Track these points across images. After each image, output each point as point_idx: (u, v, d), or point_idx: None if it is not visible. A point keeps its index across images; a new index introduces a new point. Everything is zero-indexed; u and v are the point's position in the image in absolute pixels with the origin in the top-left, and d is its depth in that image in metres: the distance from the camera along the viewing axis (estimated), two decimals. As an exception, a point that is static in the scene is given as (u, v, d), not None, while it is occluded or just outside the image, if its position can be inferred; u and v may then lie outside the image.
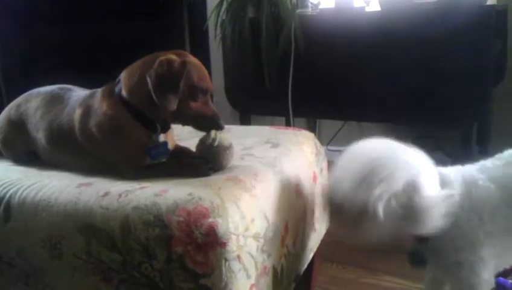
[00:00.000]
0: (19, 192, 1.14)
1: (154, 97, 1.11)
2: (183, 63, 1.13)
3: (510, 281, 1.64)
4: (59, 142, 1.26)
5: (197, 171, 1.14)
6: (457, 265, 1.13)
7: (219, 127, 1.17)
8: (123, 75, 1.20)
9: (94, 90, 1.26)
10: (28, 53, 2.89)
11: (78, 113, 1.22)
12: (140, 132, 1.17)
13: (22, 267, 1.12)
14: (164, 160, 1.21)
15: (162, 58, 1.13)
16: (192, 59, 1.17)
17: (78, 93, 1.31)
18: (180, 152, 1.27)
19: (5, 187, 1.16)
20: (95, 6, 2.76)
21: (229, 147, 1.18)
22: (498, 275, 1.53)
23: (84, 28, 2.82)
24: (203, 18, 2.77)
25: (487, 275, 1.14)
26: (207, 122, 1.17)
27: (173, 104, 1.11)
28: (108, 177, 1.16)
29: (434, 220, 1.05)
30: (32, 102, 1.34)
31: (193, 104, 1.15)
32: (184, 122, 1.20)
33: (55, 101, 1.30)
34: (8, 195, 1.14)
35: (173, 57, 1.14)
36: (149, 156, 1.19)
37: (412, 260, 1.18)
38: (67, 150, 1.26)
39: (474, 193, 1.11)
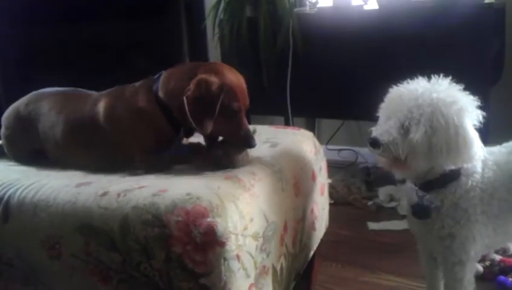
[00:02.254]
0: (18, 192, 1.13)
1: (190, 119, 1.12)
2: (221, 87, 1.13)
3: (510, 279, 1.64)
4: (78, 134, 1.27)
5: (217, 163, 1.16)
6: (450, 237, 1.18)
7: (250, 146, 1.19)
8: (163, 76, 1.21)
9: (121, 85, 1.28)
10: (26, 53, 2.89)
11: (104, 102, 1.24)
12: (165, 129, 1.20)
13: (21, 267, 1.12)
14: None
15: (201, 78, 1.12)
16: (230, 78, 1.17)
17: (94, 92, 1.34)
18: (194, 147, 1.28)
19: (4, 187, 1.16)
20: (93, 7, 2.76)
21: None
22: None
23: (82, 28, 2.81)
24: (201, 17, 2.77)
25: (474, 254, 1.20)
26: (239, 142, 1.19)
27: (208, 128, 1.13)
28: (107, 176, 1.16)
29: (470, 157, 1.11)
30: (44, 100, 1.34)
31: (226, 125, 1.17)
32: (216, 137, 1.23)
33: (71, 99, 1.33)
34: (7, 195, 1.14)
35: (212, 79, 1.13)
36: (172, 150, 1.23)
37: (416, 210, 1.20)
38: (86, 141, 1.27)
39: (485, 171, 1.18)
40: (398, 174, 1.23)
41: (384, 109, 1.22)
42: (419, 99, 1.12)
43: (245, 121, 1.19)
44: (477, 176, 1.17)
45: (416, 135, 1.09)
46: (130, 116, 1.21)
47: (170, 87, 1.18)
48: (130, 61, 2.87)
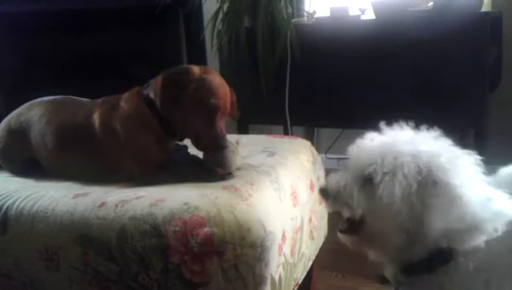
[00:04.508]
0: (16, 203, 1.14)
1: (158, 100, 1.13)
2: (196, 79, 1.14)
3: None
4: (71, 143, 1.28)
5: (212, 176, 1.16)
6: None
7: (220, 146, 1.16)
8: (153, 80, 1.22)
9: (115, 95, 1.29)
10: (25, 64, 2.90)
11: (99, 111, 1.25)
12: (160, 133, 1.21)
13: (20, 278, 1.12)
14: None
15: (183, 66, 1.15)
16: (214, 77, 1.18)
17: (88, 100, 1.34)
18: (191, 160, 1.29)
19: (3, 199, 1.16)
20: (93, 18, 2.78)
21: (234, 150, 1.21)
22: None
23: (81, 39, 2.83)
24: (200, 28, 2.78)
25: None
26: (207, 142, 1.17)
27: (174, 113, 1.13)
28: (104, 187, 1.16)
29: (458, 218, 0.82)
30: (35, 110, 1.35)
31: (199, 121, 1.16)
32: (188, 137, 1.22)
33: (63, 107, 1.33)
34: (5, 207, 1.14)
35: (193, 68, 1.16)
36: (171, 160, 1.24)
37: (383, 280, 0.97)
38: (79, 151, 1.27)
39: (493, 246, 0.85)
40: (370, 254, 0.96)
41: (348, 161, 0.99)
42: (389, 148, 0.90)
43: (220, 123, 1.17)
44: (481, 255, 0.84)
45: (382, 185, 0.85)
46: (123, 124, 1.21)
47: (158, 85, 1.19)
48: (129, 71, 2.88)
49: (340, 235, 0.96)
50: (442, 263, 0.86)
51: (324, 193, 0.95)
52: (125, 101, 1.23)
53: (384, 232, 0.87)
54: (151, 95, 1.20)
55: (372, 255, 0.94)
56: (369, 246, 0.93)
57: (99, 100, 1.30)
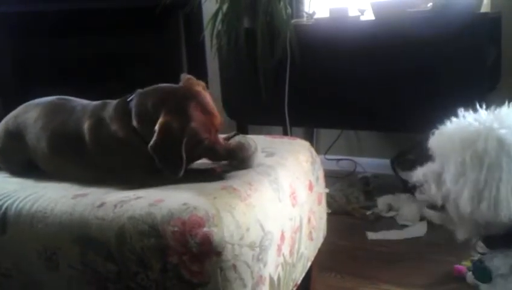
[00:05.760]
0: (15, 203, 1.14)
1: (162, 168, 1.13)
2: (183, 131, 1.12)
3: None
4: (64, 151, 1.28)
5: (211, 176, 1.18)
6: None
7: (236, 158, 1.23)
8: (135, 104, 1.20)
9: (104, 101, 1.28)
10: (25, 66, 2.90)
11: (88, 124, 1.23)
12: (146, 154, 1.16)
13: (19, 278, 1.12)
14: None
15: (162, 124, 1.12)
16: (194, 116, 1.15)
17: (80, 102, 1.33)
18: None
19: (2, 199, 1.16)
20: (91, 19, 2.78)
21: (256, 148, 1.26)
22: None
23: (80, 40, 2.83)
24: (199, 29, 2.79)
25: None
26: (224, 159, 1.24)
27: (180, 170, 1.13)
28: (104, 187, 1.16)
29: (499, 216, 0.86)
30: (30, 112, 1.34)
31: (205, 155, 1.22)
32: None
33: (56, 111, 1.32)
34: (4, 207, 1.14)
35: (173, 125, 1.12)
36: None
37: (474, 271, 1.00)
38: (72, 159, 1.27)
39: None
40: (456, 232, 1.00)
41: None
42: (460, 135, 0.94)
43: (219, 142, 1.21)
44: None
45: (447, 174, 0.93)
46: (111, 147, 1.21)
47: (141, 118, 1.18)
48: (128, 72, 2.89)
49: (426, 210, 1.02)
50: None
51: (413, 187, 1.02)
52: (112, 120, 1.22)
53: (457, 216, 0.94)
54: (136, 125, 1.19)
55: (456, 227, 0.99)
56: (451, 223, 0.98)
57: (89, 108, 1.28)
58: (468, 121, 0.96)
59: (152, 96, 1.20)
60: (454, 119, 1.00)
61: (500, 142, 0.87)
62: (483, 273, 0.96)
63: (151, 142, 1.12)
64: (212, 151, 1.21)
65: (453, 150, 0.93)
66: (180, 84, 1.25)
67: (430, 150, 1.02)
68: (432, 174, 0.98)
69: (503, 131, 0.88)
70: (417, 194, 1.01)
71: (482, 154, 0.88)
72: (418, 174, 1.02)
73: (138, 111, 1.19)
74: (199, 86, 1.24)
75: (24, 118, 1.35)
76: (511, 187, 0.85)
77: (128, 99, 1.23)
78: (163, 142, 1.12)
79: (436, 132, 1.01)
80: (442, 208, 0.98)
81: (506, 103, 0.98)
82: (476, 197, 0.88)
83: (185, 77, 1.26)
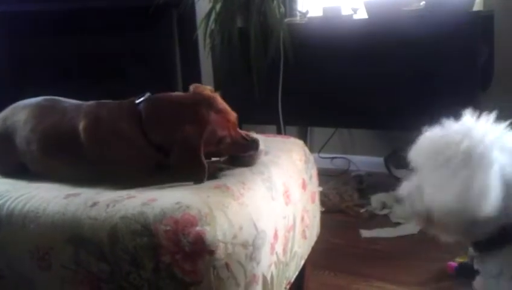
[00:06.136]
0: (7, 204, 1.13)
1: (185, 179, 1.16)
2: (200, 136, 1.15)
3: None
4: (57, 152, 1.26)
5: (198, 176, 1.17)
6: None
7: (250, 164, 1.26)
8: (148, 108, 1.21)
9: (98, 101, 1.27)
10: (17, 65, 2.89)
11: (84, 123, 1.22)
12: (155, 156, 1.21)
13: (12, 278, 1.12)
14: None
15: (182, 139, 1.15)
16: (211, 120, 1.18)
17: (71, 103, 1.31)
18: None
19: (-6, 199, 1.16)
20: (85, 18, 2.77)
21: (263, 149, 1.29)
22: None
23: (74, 39, 2.82)
24: (193, 28, 2.79)
25: None
26: (239, 162, 1.26)
27: (203, 177, 1.14)
28: (96, 187, 1.16)
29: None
30: (19, 115, 1.32)
31: (228, 150, 1.25)
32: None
33: (46, 112, 1.30)
34: (-4, 207, 1.13)
35: (189, 136, 1.15)
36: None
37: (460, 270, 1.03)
38: (65, 160, 1.26)
39: None
40: (441, 237, 1.01)
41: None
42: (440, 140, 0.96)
43: (241, 134, 1.25)
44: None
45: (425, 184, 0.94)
46: (113, 138, 1.20)
47: (153, 124, 1.20)
48: (123, 72, 2.88)
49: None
50: (504, 240, 0.90)
51: (399, 200, 1.02)
52: (119, 121, 1.22)
53: (446, 223, 0.93)
54: (153, 135, 1.20)
55: (444, 237, 1.00)
56: (438, 232, 0.98)
57: (83, 108, 1.27)
58: (440, 134, 0.98)
59: (165, 106, 1.22)
60: (427, 130, 1.02)
61: (467, 154, 0.90)
62: (468, 271, 0.99)
63: (174, 158, 1.16)
64: (237, 145, 1.24)
65: (427, 159, 0.96)
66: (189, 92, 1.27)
67: (411, 163, 1.02)
68: (414, 189, 0.98)
69: (469, 144, 0.91)
70: (406, 209, 1.01)
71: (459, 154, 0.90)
72: (403, 189, 1.02)
73: (150, 117, 1.20)
74: (207, 90, 1.27)
75: (13, 121, 1.33)
76: (479, 187, 0.86)
77: (137, 101, 1.23)
78: (184, 156, 1.15)
79: (413, 145, 1.02)
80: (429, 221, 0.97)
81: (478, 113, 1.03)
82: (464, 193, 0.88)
83: (193, 86, 1.28)
